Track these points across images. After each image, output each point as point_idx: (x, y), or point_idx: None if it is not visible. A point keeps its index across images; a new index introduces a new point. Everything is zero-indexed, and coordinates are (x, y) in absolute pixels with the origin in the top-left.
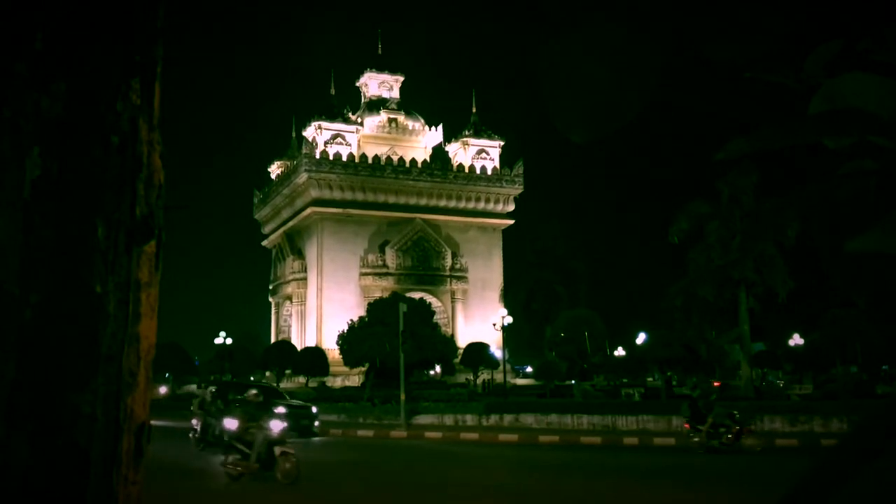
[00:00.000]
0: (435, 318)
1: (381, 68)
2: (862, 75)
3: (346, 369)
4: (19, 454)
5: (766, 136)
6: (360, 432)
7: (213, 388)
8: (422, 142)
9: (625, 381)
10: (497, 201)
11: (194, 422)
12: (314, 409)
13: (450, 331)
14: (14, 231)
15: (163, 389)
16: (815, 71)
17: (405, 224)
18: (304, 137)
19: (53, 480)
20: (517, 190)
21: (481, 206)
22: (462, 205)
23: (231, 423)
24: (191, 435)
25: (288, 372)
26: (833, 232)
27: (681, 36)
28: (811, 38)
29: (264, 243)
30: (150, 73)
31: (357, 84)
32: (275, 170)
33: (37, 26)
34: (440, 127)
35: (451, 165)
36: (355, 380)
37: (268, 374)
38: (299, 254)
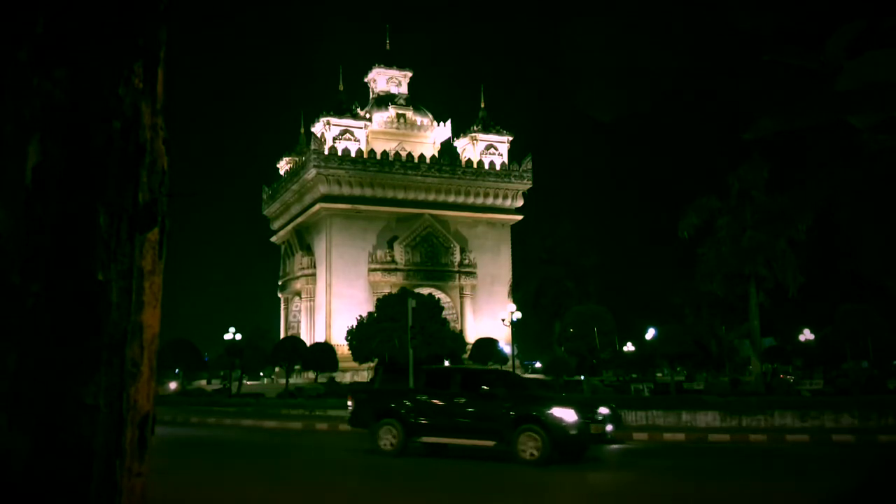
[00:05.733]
0: (444, 313)
1: (389, 64)
2: (891, 51)
3: (355, 365)
4: (22, 446)
5: (793, 114)
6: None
7: None
8: (430, 137)
9: (634, 376)
10: (506, 197)
11: None
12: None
13: (458, 326)
14: (15, 219)
15: (172, 385)
16: (837, 52)
17: (414, 220)
18: (312, 133)
19: (56, 472)
20: (526, 185)
21: (490, 201)
22: (471, 200)
23: None
24: None
25: (297, 367)
26: (865, 211)
27: (707, 7)
28: (832, 17)
29: (273, 239)
30: (154, 57)
31: (365, 80)
32: (283, 166)
33: (37, 9)
34: (448, 122)
35: (460, 161)
36: (364, 375)
37: (277, 369)
38: (308, 250)
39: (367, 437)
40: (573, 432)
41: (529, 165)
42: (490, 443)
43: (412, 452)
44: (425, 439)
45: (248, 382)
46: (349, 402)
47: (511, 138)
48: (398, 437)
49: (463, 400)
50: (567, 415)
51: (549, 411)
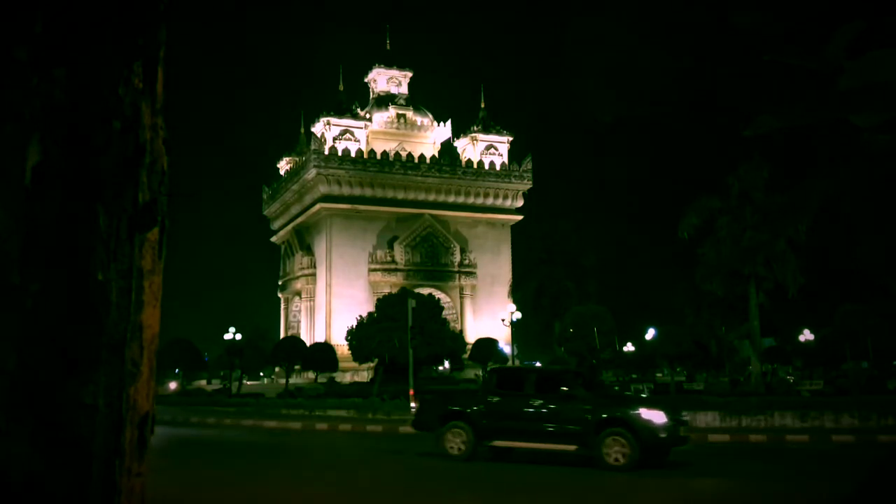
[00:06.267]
0: (444, 313)
1: (389, 64)
2: (891, 51)
3: (355, 365)
4: (20, 446)
5: (794, 112)
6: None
7: None
8: (430, 137)
9: (634, 376)
10: (506, 197)
11: None
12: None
13: (458, 326)
14: (15, 219)
15: (172, 385)
16: (837, 52)
17: (414, 220)
18: (312, 133)
19: (55, 473)
20: (526, 185)
21: (490, 201)
22: (471, 200)
23: None
24: None
25: (297, 367)
26: (866, 212)
27: (707, 7)
28: (832, 17)
29: (273, 239)
30: (153, 57)
31: (366, 80)
32: (283, 165)
33: (37, 9)
34: (449, 122)
35: (460, 161)
36: (364, 375)
37: (277, 369)
38: (308, 250)
39: (369, 438)
40: (663, 435)
41: (529, 165)
42: (571, 447)
43: (479, 457)
44: (498, 443)
45: (248, 382)
46: (412, 404)
47: (511, 138)
48: (468, 441)
49: (539, 402)
50: (656, 416)
51: (637, 412)
